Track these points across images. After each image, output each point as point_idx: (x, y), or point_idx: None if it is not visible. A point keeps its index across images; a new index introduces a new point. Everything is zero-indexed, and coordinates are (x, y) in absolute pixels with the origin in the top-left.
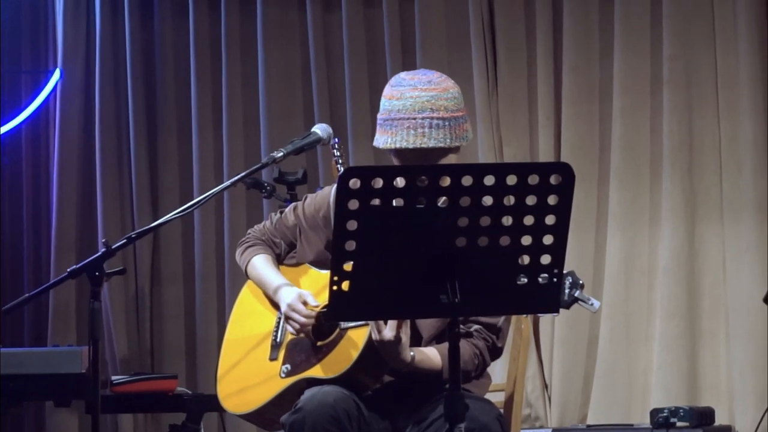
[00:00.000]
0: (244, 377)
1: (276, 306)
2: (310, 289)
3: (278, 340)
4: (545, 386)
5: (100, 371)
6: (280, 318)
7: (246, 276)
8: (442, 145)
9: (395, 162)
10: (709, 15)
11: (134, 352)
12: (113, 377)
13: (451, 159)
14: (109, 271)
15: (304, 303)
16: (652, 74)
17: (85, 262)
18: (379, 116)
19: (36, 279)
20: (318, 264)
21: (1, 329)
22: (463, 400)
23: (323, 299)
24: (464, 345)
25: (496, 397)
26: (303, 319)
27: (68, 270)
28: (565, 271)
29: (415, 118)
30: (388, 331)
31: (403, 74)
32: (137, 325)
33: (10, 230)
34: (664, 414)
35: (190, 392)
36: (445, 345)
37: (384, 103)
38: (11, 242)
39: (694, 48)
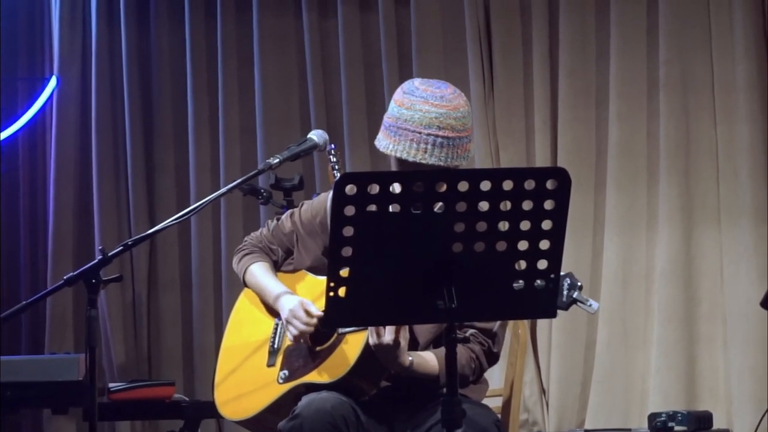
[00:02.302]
0: (242, 383)
1: (274, 313)
2: (307, 295)
3: (276, 346)
4: (543, 391)
5: (97, 378)
6: (278, 324)
7: (243, 284)
8: (441, 164)
9: (393, 165)
10: (705, 19)
11: (131, 359)
12: (110, 384)
13: None
14: (105, 278)
15: (306, 311)
16: (648, 79)
17: (82, 269)
18: (385, 118)
19: (33, 287)
20: (315, 270)
21: None
22: (461, 405)
23: (321, 305)
24: (460, 350)
25: (494, 402)
26: (303, 326)
27: (65, 277)
28: (563, 273)
29: (420, 133)
30: (387, 335)
31: (417, 82)
32: (134, 332)
33: (7, 238)
34: (662, 418)
35: (187, 399)
36: (443, 349)
37: (393, 108)
38: (8, 250)
39: (690, 52)
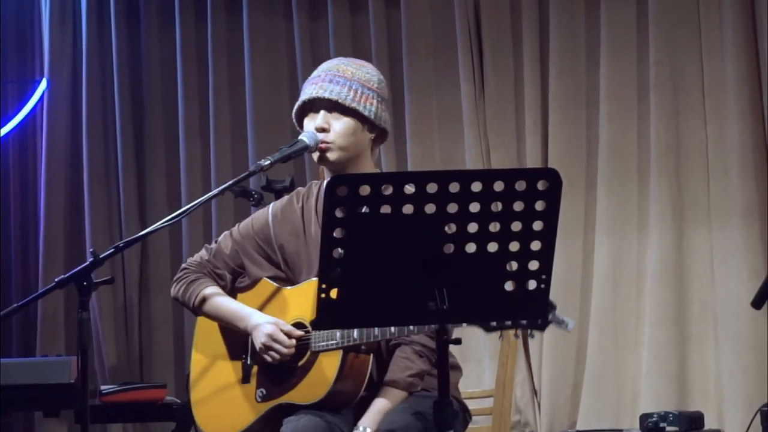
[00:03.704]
0: (220, 401)
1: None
2: (278, 311)
3: (249, 362)
4: (534, 392)
5: (89, 381)
6: (249, 339)
7: (194, 312)
8: (335, 98)
9: (305, 127)
10: (695, 20)
11: (123, 361)
12: (102, 387)
13: (350, 126)
14: (97, 280)
15: (286, 333)
16: (638, 79)
17: (73, 271)
18: None
19: (24, 289)
20: (274, 279)
21: None
22: (452, 406)
23: (294, 318)
24: (396, 357)
25: (485, 403)
26: (285, 350)
27: (56, 280)
28: None
29: (320, 75)
30: None
31: None
32: (126, 334)
33: None
34: (654, 419)
35: (179, 401)
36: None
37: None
38: None
39: (680, 53)
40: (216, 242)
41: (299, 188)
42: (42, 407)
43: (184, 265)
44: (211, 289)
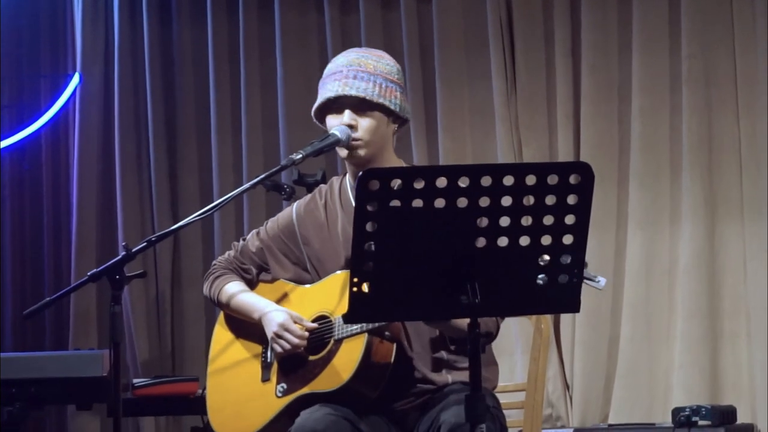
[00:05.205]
0: (238, 403)
1: (257, 330)
2: (294, 306)
3: (269, 360)
4: (566, 386)
5: (121, 374)
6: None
7: (217, 305)
8: (363, 95)
9: (328, 125)
10: (727, 13)
11: (155, 355)
12: (134, 380)
13: (377, 122)
14: (129, 274)
15: (298, 324)
16: (671, 73)
17: (106, 265)
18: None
19: (56, 283)
20: (294, 281)
21: (23, 333)
22: (485, 400)
23: (309, 315)
24: None
25: (517, 397)
26: (296, 341)
27: (89, 274)
28: None
29: (341, 71)
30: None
31: None
32: (158, 328)
33: (30, 235)
34: (686, 413)
35: None
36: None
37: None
38: (32, 247)
39: (712, 47)
40: (243, 239)
41: (321, 185)
42: (75, 400)
43: (213, 262)
44: (233, 284)
